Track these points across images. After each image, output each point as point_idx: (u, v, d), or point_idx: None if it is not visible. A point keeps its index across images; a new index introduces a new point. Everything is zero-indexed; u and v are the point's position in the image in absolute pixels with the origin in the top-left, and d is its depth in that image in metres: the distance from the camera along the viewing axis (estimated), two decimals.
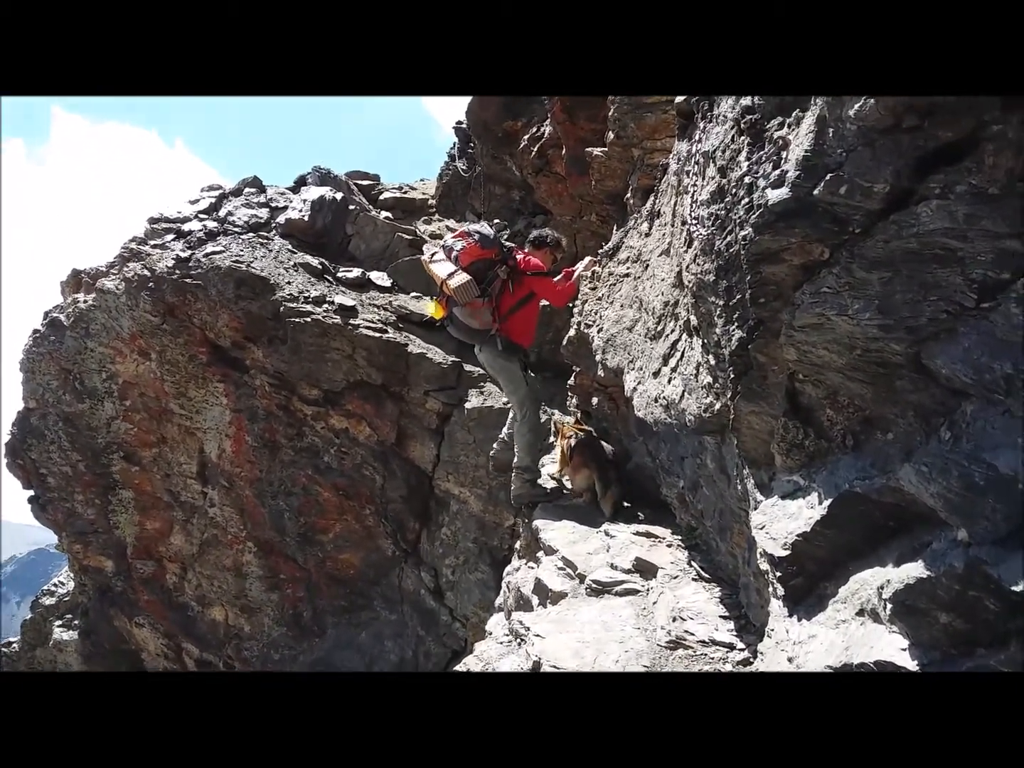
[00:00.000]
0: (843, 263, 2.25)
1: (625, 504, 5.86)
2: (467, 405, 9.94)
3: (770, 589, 3.01)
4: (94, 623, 12.05)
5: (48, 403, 11.72)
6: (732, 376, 2.91)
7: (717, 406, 3.27)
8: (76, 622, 12.57)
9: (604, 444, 6.26)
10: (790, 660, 2.63)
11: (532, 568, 5.62)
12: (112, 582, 11.86)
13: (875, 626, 2.23)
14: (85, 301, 11.57)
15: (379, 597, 10.62)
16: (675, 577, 4.46)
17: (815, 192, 2.22)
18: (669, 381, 3.93)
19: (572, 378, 7.03)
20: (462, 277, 5.90)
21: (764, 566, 2.98)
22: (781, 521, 2.71)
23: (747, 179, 2.49)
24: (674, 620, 3.94)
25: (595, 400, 6.51)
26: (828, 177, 2.19)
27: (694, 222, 3.03)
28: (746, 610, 3.91)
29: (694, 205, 3.08)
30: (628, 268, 5.30)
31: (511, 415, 6.85)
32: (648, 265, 4.71)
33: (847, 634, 2.35)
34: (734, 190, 2.57)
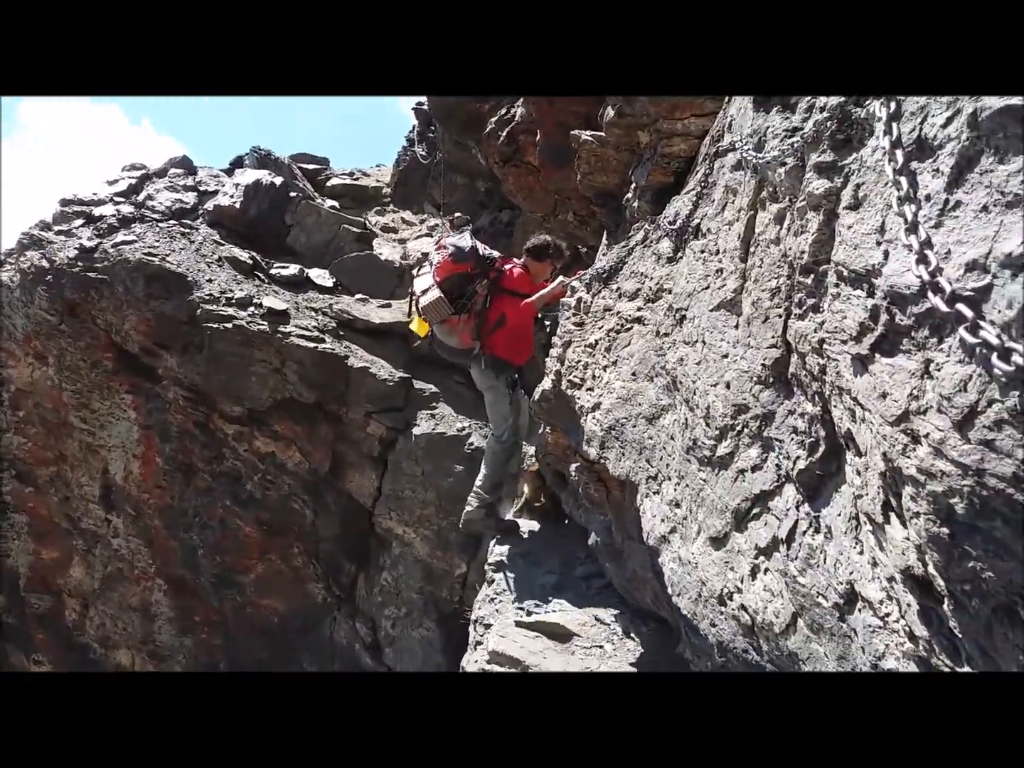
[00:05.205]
0: None
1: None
2: (415, 431, 8.07)
3: None
4: None
5: None
6: None
7: None
8: None
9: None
10: None
11: None
12: (2, 617, 9.62)
13: None
14: None
15: (306, 650, 8.56)
16: None
17: None
18: (753, 574, 1.88)
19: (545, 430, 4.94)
20: (432, 295, 5.18)
21: None
22: None
23: None
24: None
25: (575, 473, 4.44)
26: None
27: None
28: None
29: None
30: (640, 308, 3.26)
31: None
32: (685, 317, 2.67)
33: None
34: None
